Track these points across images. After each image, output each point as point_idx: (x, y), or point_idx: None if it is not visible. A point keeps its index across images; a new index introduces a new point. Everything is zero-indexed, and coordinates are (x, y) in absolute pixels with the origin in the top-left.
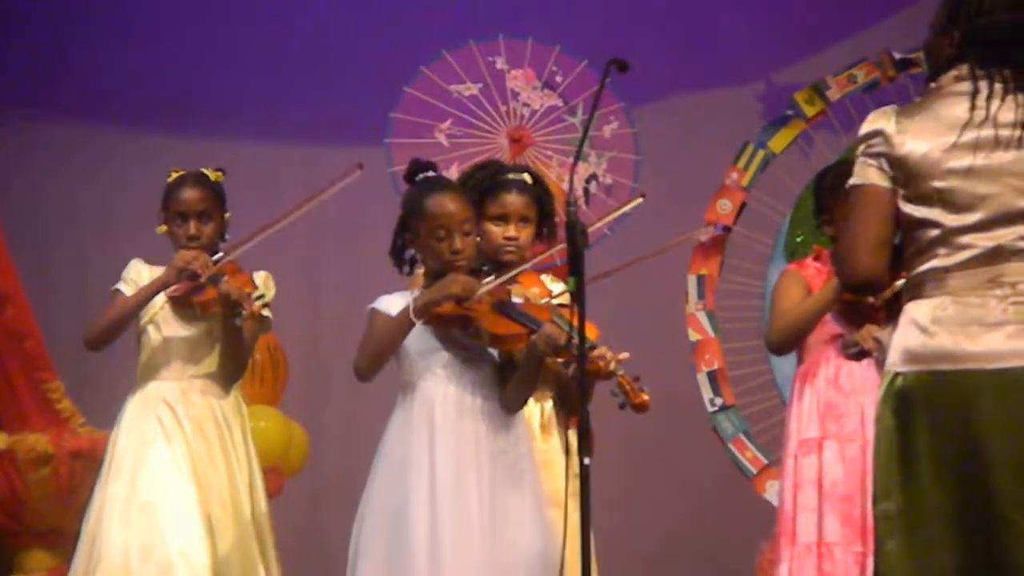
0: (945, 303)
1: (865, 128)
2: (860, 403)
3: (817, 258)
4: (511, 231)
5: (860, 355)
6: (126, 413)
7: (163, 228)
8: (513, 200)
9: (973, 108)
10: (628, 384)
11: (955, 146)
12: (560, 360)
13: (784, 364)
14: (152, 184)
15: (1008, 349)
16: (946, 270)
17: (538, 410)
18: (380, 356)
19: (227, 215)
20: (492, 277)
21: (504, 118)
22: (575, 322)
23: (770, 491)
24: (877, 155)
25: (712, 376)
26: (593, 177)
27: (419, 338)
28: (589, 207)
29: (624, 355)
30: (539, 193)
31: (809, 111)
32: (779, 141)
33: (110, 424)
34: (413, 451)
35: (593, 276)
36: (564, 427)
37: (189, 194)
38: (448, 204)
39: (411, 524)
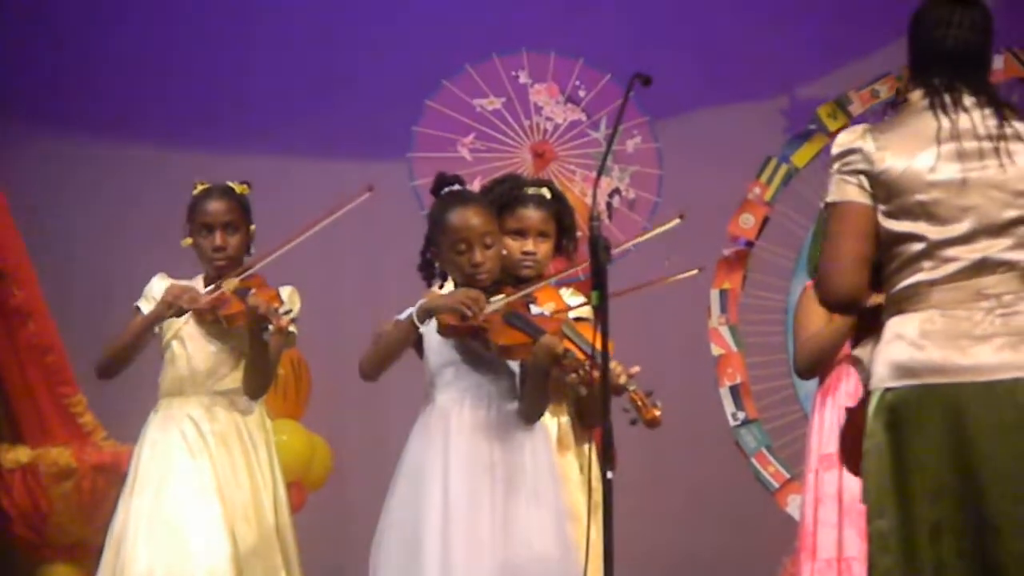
0: (933, 317)
1: (840, 146)
2: None
3: None
4: (529, 246)
5: None
6: (150, 428)
7: (188, 241)
8: (531, 215)
9: (950, 122)
10: (640, 399)
11: (938, 159)
12: (563, 372)
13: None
14: (175, 199)
15: (997, 362)
16: (932, 283)
17: (554, 424)
18: (382, 358)
19: (252, 228)
20: (502, 296)
21: (527, 132)
22: (596, 336)
23: (792, 505)
24: (856, 172)
25: (735, 390)
26: (616, 191)
27: (439, 351)
28: (612, 222)
29: (635, 369)
30: (558, 207)
31: (832, 125)
32: (802, 155)
33: (132, 438)
34: (428, 464)
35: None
36: (585, 441)
37: (215, 206)
38: (469, 217)
39: (424, 538)
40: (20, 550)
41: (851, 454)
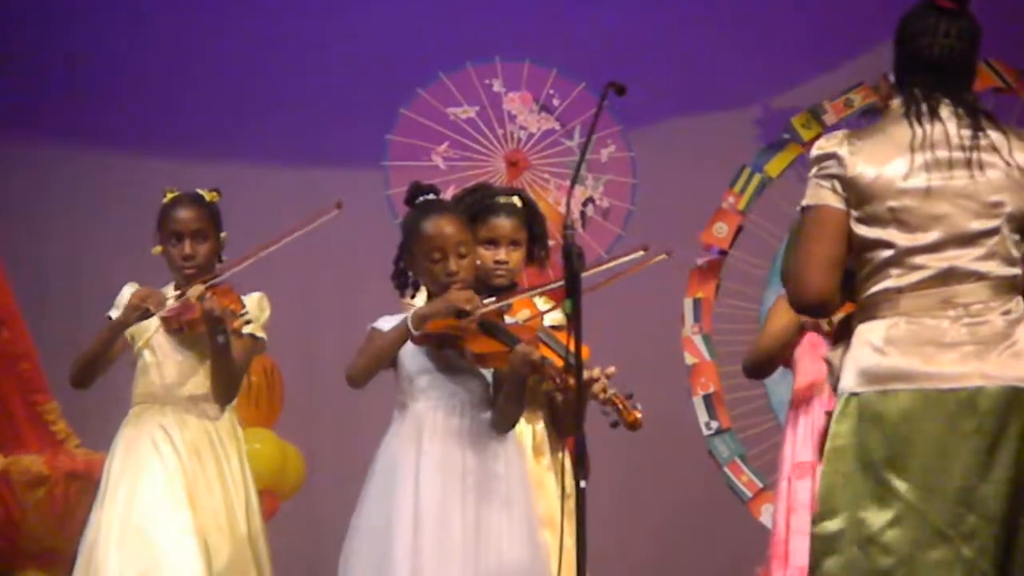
0: (899, 323)
1: (818, 151)
2: None
3: None
4: (501, 255)
5: None
6: (121, 437)
7: (159, 249)
8: (502, 224)
9: (924, 131)
10: (620, 402)
11: (910, 167)
12: (540, 380)
13: (780, 388)
14: (150, 206)
15: (961, 370)
16: (899, 290)
17: (529, 431)
18: (373, 364)
19: (223, 236)
20: (492, 299)
21: (501, 141)
22: (571, 343)
23: (765, 515)
24: (830, 176)
25: (708, 400)
26: (590, 200)
27: (413, 359)
28: (586, 230)
29: (611, 369)
30: (529, 216)
31: (806, 135)
32: (776, 165)
33: (105, 445)
34: (400, 472)
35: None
36: (559, 449)
37: (184, 214)
38: (444, 227)
39: (394, 546)
40: None
41: None
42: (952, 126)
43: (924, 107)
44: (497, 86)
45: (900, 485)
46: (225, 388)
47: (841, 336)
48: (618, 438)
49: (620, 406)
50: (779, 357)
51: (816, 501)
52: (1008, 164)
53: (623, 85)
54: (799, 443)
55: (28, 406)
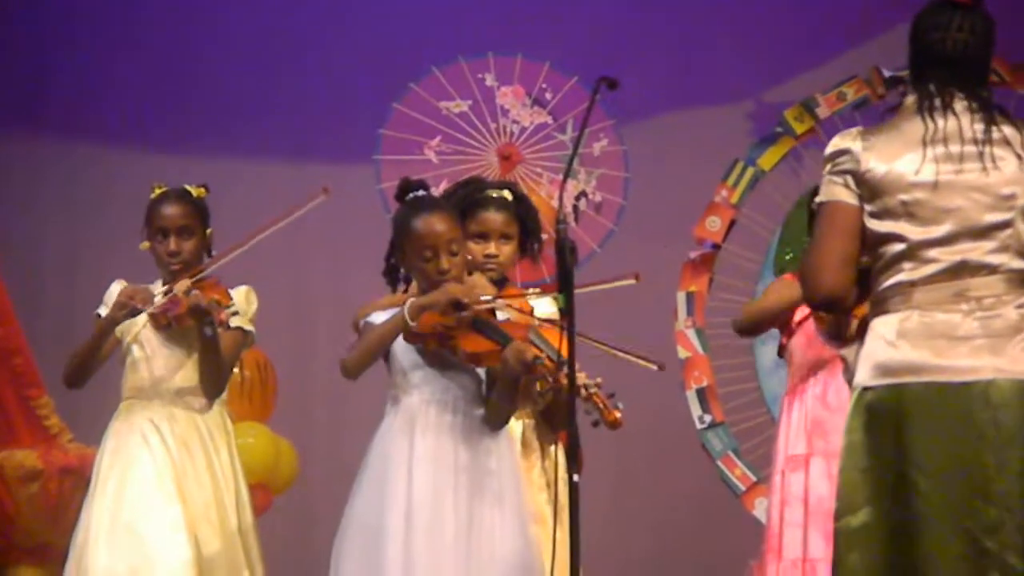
0: (911, 317)
1: (832, 148)
2: None
3: None
4: (491, 248)
5: None
6: (111, 432)
7: (146, 245)
8: (493, 217)
9: (937, 125)
10: (601, 401)
11: (921, 161)
12: (532, 378)
13: (773, 381)
14: (144, 201)
15: (973, 364)
16: (912, 284)
17: (519, 426)
18: (368, 355)
19: (209, 231)
20: (489, 297)
21: (494, 135)
22: (563, 339)
23: (759, 508)
24: (844, 172)
25: (701, 393)
26: (583, 194)
27: (406, 353)
28: (579, 224)
29: (598, 380)
30: (520, 209)
31: (799, 128)
32: (768, 159)
33: (98, 440)
34: (392, 467)
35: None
36: (551, 443)
37: (170, 210)
38: (435, 224)
39: (386, 541)
40: None
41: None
42: (965, 120)
43: (938, 102)
44: (490, 80)
45: (917, 479)
46: (214, 381)
47: (860, 336)
48: (611, 432)
49: (600, 405)
50: (777, 320)
51: (837, 494)
52: (1020, 158)
53: (615, 79)
54: (792, 436)
55: (21, 401)
